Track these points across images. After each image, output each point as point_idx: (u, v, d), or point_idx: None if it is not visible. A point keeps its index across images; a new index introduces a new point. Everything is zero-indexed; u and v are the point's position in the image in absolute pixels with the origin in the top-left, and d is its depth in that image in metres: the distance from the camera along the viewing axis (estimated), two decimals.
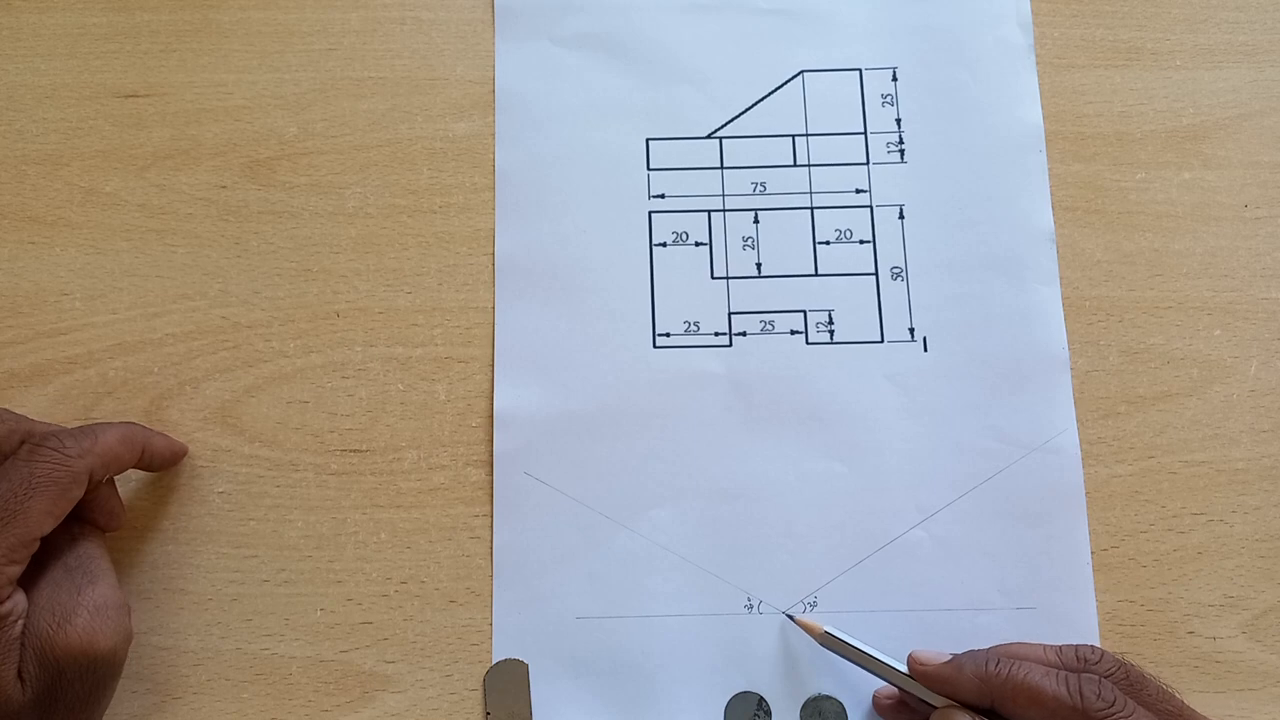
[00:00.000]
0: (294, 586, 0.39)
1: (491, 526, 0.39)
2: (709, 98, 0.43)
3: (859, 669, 0.36)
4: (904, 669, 0.35)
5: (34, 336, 0.41)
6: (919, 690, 0.35)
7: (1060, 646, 0.34)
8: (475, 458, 0.40)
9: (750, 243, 0.42)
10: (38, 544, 0.32)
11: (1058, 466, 0.39)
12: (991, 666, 0.33)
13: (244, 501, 0.39)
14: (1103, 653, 0.33)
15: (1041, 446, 0.39)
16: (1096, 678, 0.32)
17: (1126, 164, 0.42)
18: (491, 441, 0.40)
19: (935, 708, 0.34)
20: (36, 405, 0.40)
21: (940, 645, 0.37)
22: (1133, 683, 0.32)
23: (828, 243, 0.42)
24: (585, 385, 0.40)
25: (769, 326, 0.41)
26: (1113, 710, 0.31)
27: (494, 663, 0.38)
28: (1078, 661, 0.33)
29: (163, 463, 0.38)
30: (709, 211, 0.42)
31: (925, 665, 0.35)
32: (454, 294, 0.41)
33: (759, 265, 0.41)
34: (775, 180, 0.42)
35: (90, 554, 0.34)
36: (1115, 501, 0.39)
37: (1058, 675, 0.32)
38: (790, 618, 0.38)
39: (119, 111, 0.43)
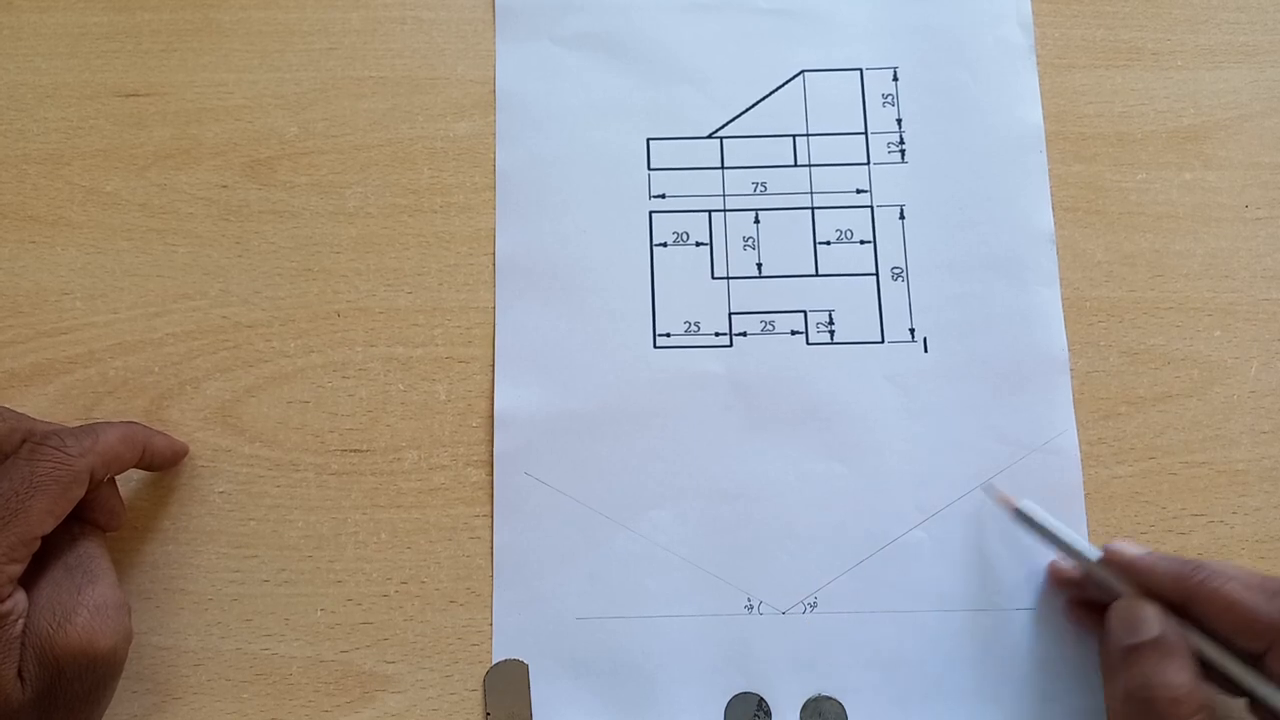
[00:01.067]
0: (294, 586, 0.39)
1: (491, 526, 0.39)
2: (709, 98, 0.43)
3: (853, 666, 0.36)
4: (1096, 555, 0.35)
5: (34, 336, 0.41)
6: (1108, 579, 0.34)
7: (1264, 576, 0.33)
8: (475, 458, 0.40)
9: (750, 243, 0.42)
10: (38, 543, 0.32)
11: (1058, 467, 0.39)
12: (1190, 568, 0.33)
13: (244, 501, 0.39)
14: None
15: (1041, 447, 0.39)
16: None
17: (1127, 164, 0.42)
18: (491, 441, 0.40)
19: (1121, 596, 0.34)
20: (37, 405, 0.40)
21: (940, 646, 0.38)
22: None
23: (828, 243, 0.42)
24: (585, 385, 0.40)
25: (769, 326, 0.41)
26: None
27: (494, 663, 0.38)
28: None
29: (164, 462, 0.38)
30: (709, 211, 0.42)
31: (1121, 553, 0.34)
32: (454, 294, 0.41)
33: (759, 265, 0.41)
34: (776, 180, 0.42)
35: (90, 553, 0.34)
36: (1115, 502, 0.39)
37: (1264, 594, 0.32)
38: (988, 490, 0.38)
39: (120, 111, 0.43)
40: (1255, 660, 0.32)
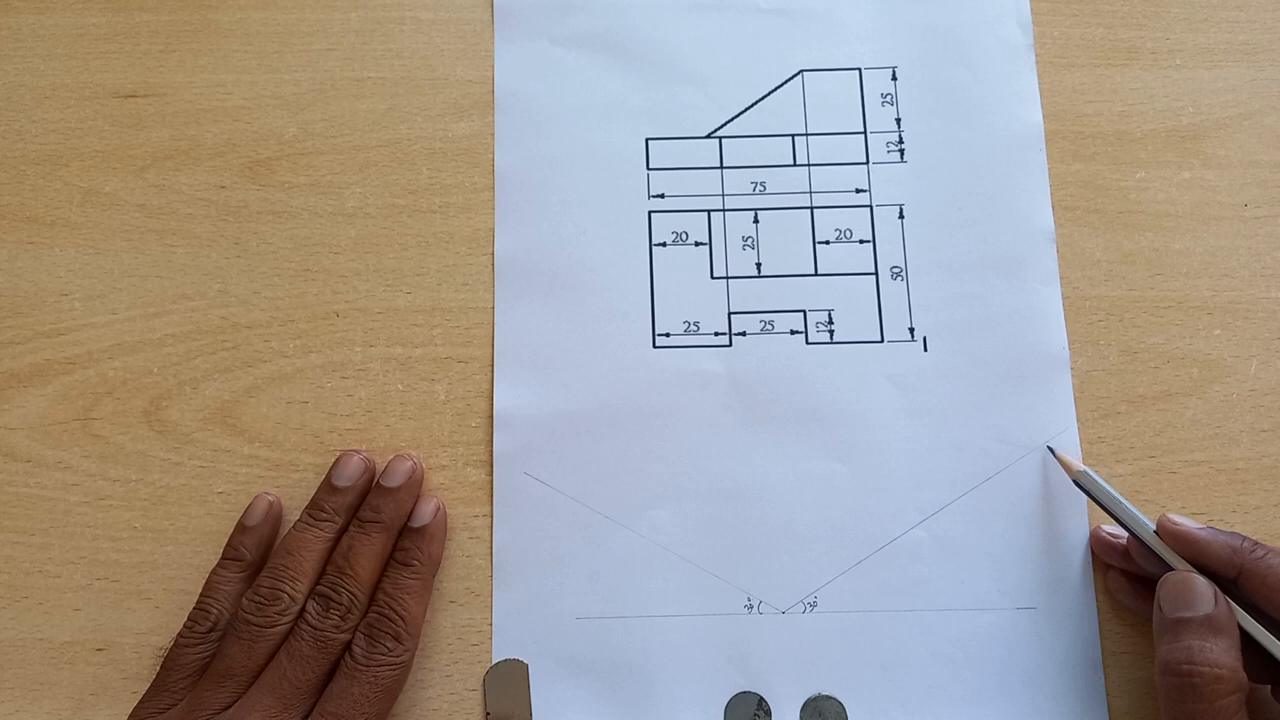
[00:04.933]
0: None
1: (491, 526, 0.39)
2: (709, 97, 0.43)
3: (853, 666, 0.36)
4: (1153, 526, 0.35)
5: (33, 337, 0.41)
6: (1162, 551, 0.34)
7: None
8: (475, 458, 0.40)
9: (750, 242, 0.42)
10: None
11: (1057, 466, 0.39)
12: (1247, 545, 0.33)
13: (244, 501, 0.39)
14: None
15: (1041, 446, 0.39)
16: None
17: (1126, 163, 0.42)
18: (491, 441, 0.40)
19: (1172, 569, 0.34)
20: (36, 405, 0.40)
21: (940, 646, 0.37)
22: None
23: (827, 242, 0.42)
24: (585, 385, 0.40)
25: (769, 326, 0.41)
26: None
27: (494, 663, 0.38)
28: None
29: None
30: (709, 211, 0.42)
31: (1177, 525, 0.34)
32: (454, 294, 0.41)
33: (759, 265, 0.41)
34: (775, 180, 0.42)
35: None
36: None
37: None
38: (1051, 451, 0.38)
39: (118, 112, 0.43)
40: None
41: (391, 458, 0.39)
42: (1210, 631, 0.32)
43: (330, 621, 0.35)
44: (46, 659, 0.38)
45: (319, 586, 0.36)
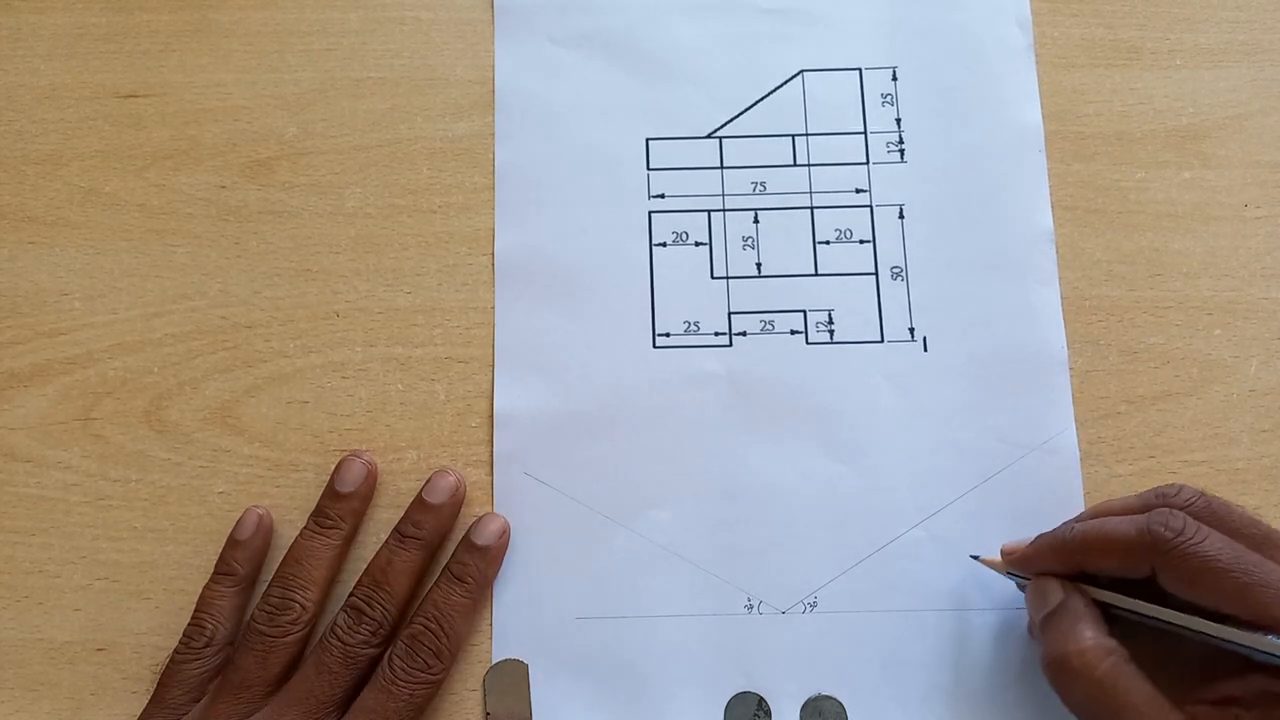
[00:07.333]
0: None
1: None
2: (709, 97, 0.43)
3: (853, 666, 0.36)
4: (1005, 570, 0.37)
5: (33, 337, 0.41)
6: (1020, 579, 0.36)
7: (1142, 491, 0.34)
8: (475, 458, 0.40)
9: (750, 242, 0.42)
10: None
11: (1057, 466, 0.39)
12: (1066, 533, 0.34)
13: (244, 502, 0.39)
14: (1181, 486, 0.33)
15: (1041, 446, 0.39)
16: (1166, 510, 0.32)
17: (1126, 163, 0.42)
18: (491, 442, 0.40)
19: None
20: (36, 405, 0.40)
21: (940, 645, 0.38)
22: (1215, 511, 0.32)
23: (828, 242, 0.42)
24: (585, 385, 0.40)
25: (769, 326, 0.41)
26: (1182, 538, 0.31)
27: (494, 663, 0.38)
28: (1156, 499, 0.33)
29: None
30: (709, 211, 0.42)
31: (1011, 553, 0.36)
32: (454, 294, 0.41)
33: (759, 265, 0.41)
34: (775, 180, 0.42)
35: None
36: None
37: (1129, 519, 0.32)
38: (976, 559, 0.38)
39: (118, 111, 0.43)
40: (1150, 584, 0.32)
41: (434, 472, 0.39)
42: (1065, 616, 0.33)
43: (360, 636, 0.35)
44: (46, 659, 0.38)
45: (351, 598, 0.36)
